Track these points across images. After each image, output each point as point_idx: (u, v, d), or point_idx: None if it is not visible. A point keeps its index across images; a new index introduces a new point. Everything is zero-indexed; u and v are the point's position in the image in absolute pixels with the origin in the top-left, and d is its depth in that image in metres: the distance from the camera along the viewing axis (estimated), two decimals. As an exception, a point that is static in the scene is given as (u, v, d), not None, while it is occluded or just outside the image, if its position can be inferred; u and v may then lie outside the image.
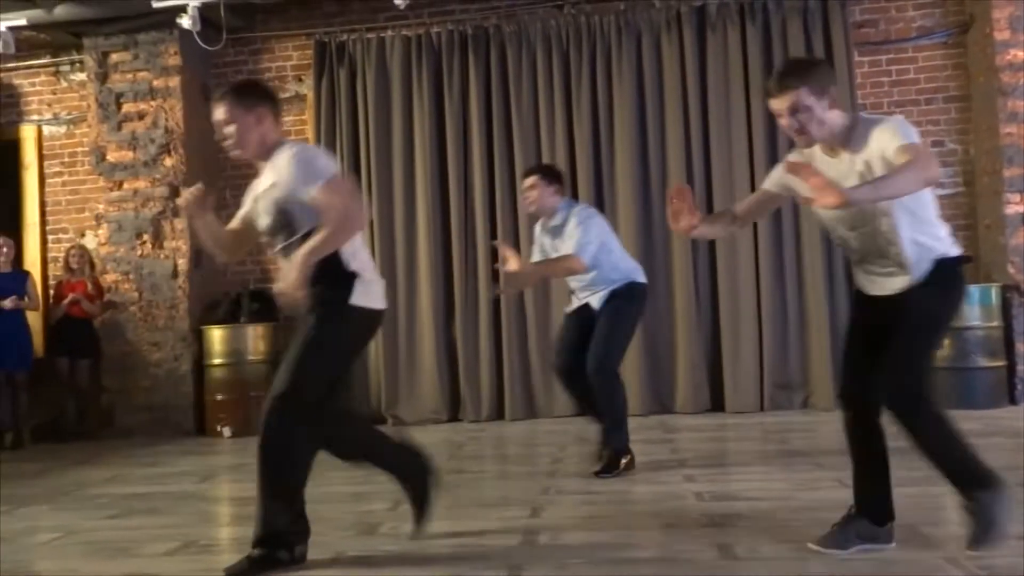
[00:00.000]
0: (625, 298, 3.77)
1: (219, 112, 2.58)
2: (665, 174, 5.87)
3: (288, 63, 6.54)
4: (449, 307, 6.08)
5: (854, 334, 2.49)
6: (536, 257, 3.96)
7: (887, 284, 2.37)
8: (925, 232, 2.31)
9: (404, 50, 6.19)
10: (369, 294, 2.57)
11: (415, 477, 2.73)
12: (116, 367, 6.19)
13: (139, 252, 6.25)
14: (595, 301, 3.81)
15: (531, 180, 3.84)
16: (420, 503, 2.73)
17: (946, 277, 2.32)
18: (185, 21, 5.69)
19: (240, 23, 6.32)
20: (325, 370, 2.54)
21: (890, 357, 2.29)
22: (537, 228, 3.99)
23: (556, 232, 3.82)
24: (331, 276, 2.51)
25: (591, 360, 3.68)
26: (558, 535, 2.78)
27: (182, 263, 6.22)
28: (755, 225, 5.75)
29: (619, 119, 5.93)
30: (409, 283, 6.08)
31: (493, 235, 6.04)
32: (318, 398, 2.53)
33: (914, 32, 5.94)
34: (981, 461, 2.32)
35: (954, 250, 2.36)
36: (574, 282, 3.86)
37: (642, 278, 3.88)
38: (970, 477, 2.31)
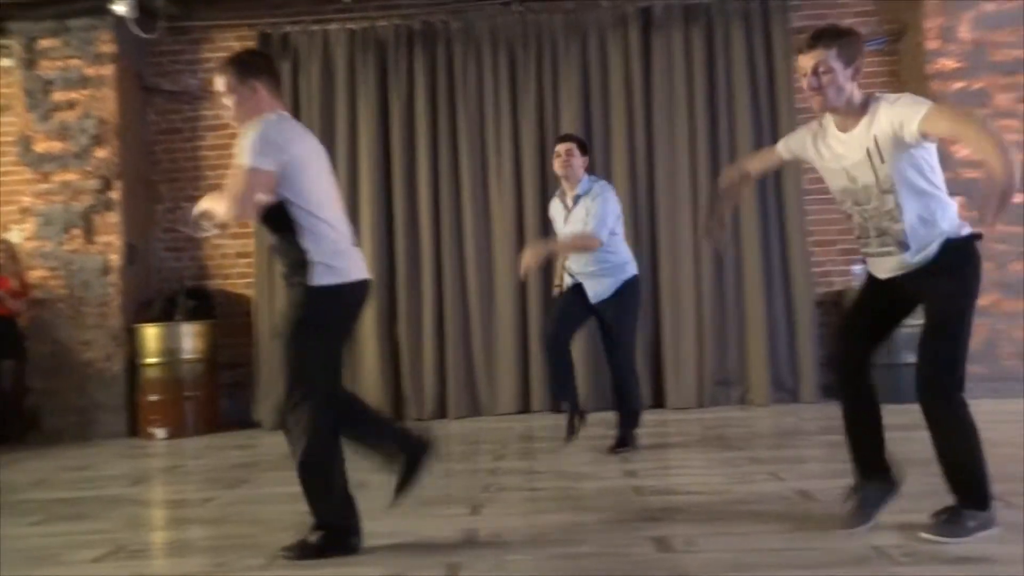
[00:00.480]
0: (627, 296, 4.06)
1: (217, 83, 2.61)
2: (609, 172, 5.91)
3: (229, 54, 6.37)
4: (392, 305, 6.02)
5: (858, 309, 2.58)
6: (559, 222, 4.22)
7: (884, 265, 2.44)
8: (931, 209, 2.37)
9: (349, 44, 6.09)
10: (331, 271, 2.53)
11: (413, 448, 2.65)
12: (43, 367, 5.94)
13: (68, 247, 6.00)
14: (591, 291, 4.05)
15: (567, 146, 4.10)
16: (409, 476, 2.64)
17: (957, 258, 2.38)
18: (119, 7, 5.48)
19: (177, 11, 6.13)
20: (315, 357, 2.51)
21: (920, 349, 2.36)
22: (556, 202, 4.25)
23: (576, 200, 4.10)
24: (290, 259, 2.54)
25: (618, 369, 4.06)
26: (498, 532, 2.78)
27: (114, 259, 5.99)
28: (694, 226, 5.83)
29: (565, 117, 5.95)
30: (352, 280, 5.98)
31: (437, 232, 6.01)
32: (324, 385, 2.52)
33: (849, 39, 6.11)
34: (987, 476, 2.37)
35: (964, 229, 2.42)
36: (572, 257, 4.09)
37: (634, 269, 4.14)
38: (970, 485, 2.37)
